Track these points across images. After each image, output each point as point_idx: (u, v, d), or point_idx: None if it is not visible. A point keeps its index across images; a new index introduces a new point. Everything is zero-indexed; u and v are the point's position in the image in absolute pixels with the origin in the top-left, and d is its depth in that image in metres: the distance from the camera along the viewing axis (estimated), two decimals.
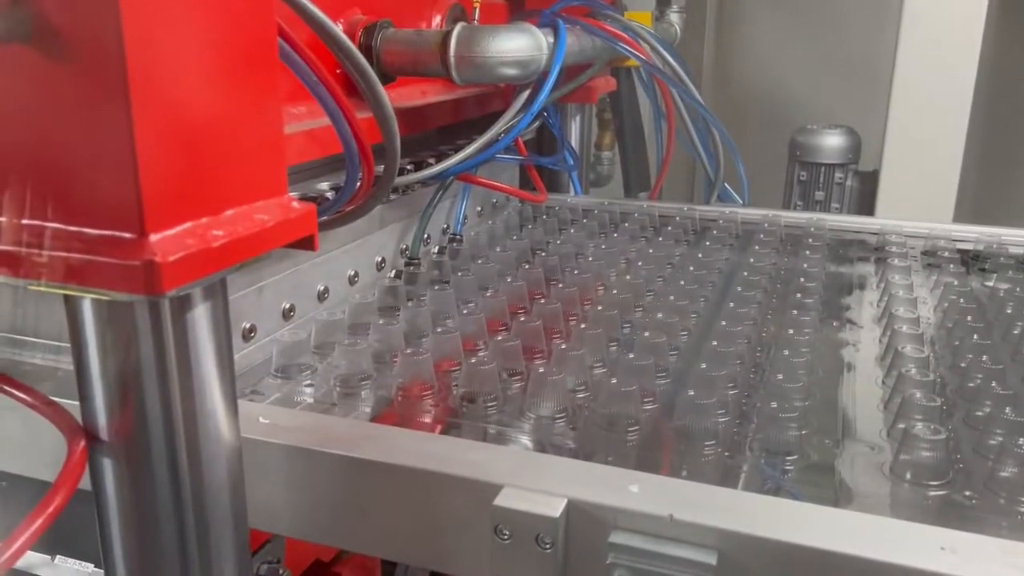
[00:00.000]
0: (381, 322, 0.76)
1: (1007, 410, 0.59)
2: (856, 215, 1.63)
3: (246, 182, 0.41)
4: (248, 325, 0.72)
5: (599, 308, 0.79)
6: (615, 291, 0.85)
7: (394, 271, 0.95)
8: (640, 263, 0.96)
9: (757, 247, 1.04)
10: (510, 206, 1.25)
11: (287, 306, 0.77)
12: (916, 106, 1.62)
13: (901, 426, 0.58)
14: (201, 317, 0.42)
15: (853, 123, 1.81)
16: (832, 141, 1.76)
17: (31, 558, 0.65)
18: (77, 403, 0.43)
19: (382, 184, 0.67)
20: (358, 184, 0.64)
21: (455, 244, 1.05)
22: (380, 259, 0.94)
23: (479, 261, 0.94)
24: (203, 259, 0.37)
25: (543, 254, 0.99)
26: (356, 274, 0.89)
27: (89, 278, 0.36)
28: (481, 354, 0.69)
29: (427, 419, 0.63)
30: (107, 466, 0.43)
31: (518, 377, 0.68)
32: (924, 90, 1.61)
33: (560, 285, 0.88)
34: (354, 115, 0.58)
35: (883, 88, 1.66)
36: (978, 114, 1.63)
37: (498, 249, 1.00)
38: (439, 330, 0.74)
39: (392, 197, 0.90)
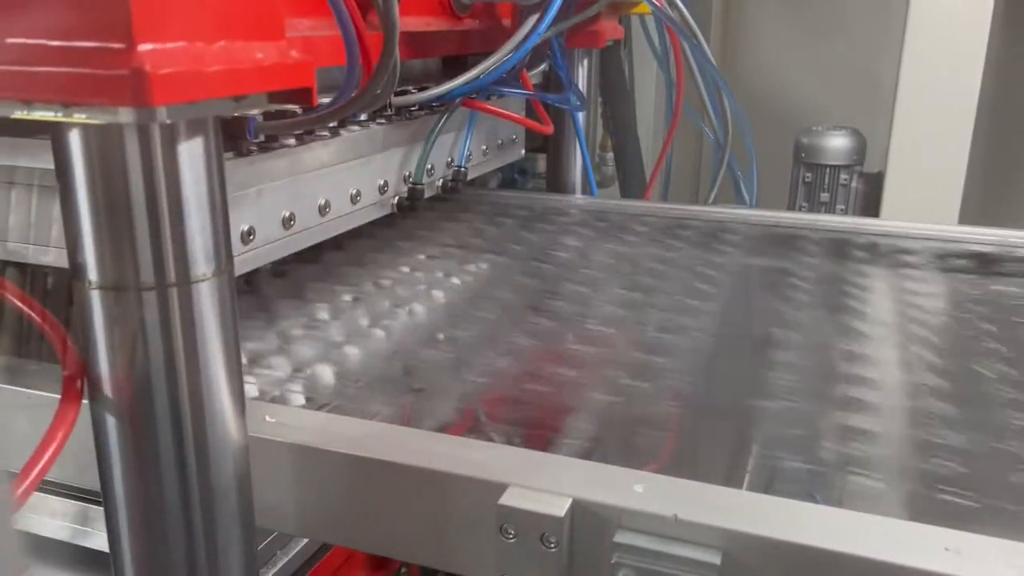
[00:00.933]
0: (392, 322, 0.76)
1: (1020, 415, 0.59)
2: (861, 216, 1.63)
3: (244, 16, 0.40)
4: (247, 227, 0.71)
5: (607, 309, 0.79)
6: (622, 292, 0.85)
7: (397, 197, 0.96)
8: (649, 263, 0.96)
9: (763, 248, 1.04)
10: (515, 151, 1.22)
11: (287, 214, 0.77)
12: (921, 108, 1.62)
13: (913, 430, 0.59)
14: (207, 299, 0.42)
15: (858, 125, 1.80)
16: (837, 143, 1.76)
17: None
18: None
19: (379, 70, 0.64)
20: (357, 76, 0.63)
21: (459, 182, 1.06)
22: (383, 182, 0.94)
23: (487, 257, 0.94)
24: (195, 81, 0.37)
25: (550, 254, 0.99)
26: (358, 193, 0.89)
27: (77, 92, 0.35)
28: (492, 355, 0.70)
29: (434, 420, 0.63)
30: (114, 455, 0.44)
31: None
32: (929, 92, 1.61)
33: (570, 286, 0.88)
34: (356, 9, 0.57)
35: (888, 90, 1.66)
36: (983, 116, 1.63)
37: (508, 244, 1.00)
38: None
39: (396, 122, 0.91)
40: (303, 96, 0.43)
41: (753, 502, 0.48)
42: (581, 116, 1.29)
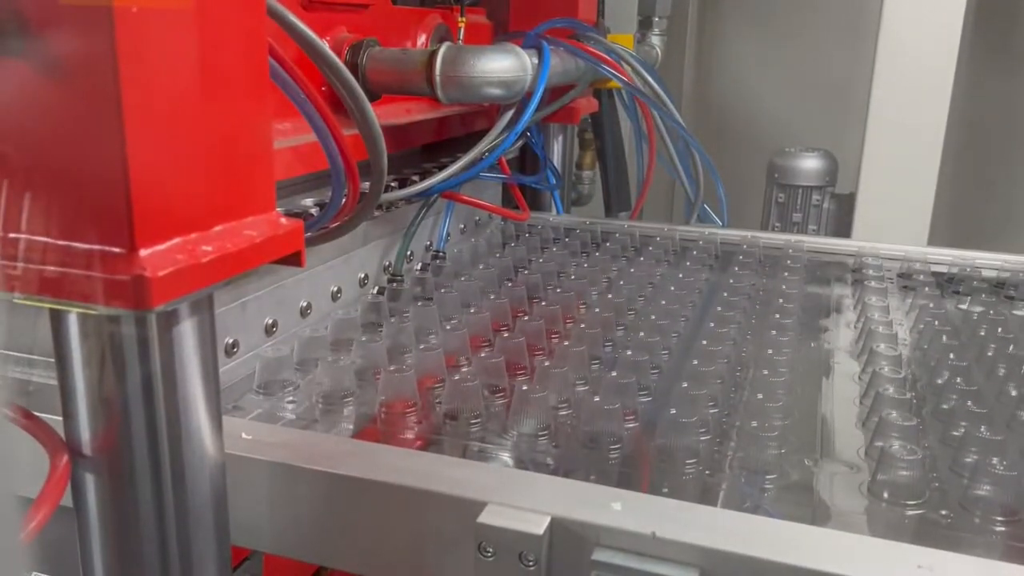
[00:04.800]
0: (364, 339, 0.76)
1: (982, 429, 0.60)
2: (833, 237, 1.65)
3: (236, 198, 0.41)
4: (231, 340, 0.72)
5: (581, 326, 0.79)
6: (597, 309, 0.85)
7: (377, 288, 0.95)
8: (621, 282, 0.96)
9: (736, 268, 1.05)
10: (492, 224, 1.25)
11: (270, 321, 0.77)
12: (892, 130, 1.65)
13: (878, 445, 0.59)
14: (188, 333, 0.42)
15: (830, 146, 1.83)
16: (809, 164, 1.78)
17: None
18: (58, 418, 0.43)
19: (368, 201, 0.68)
20: (344, 200, 0.65)
21: (438, 261, 1.05)
22: (363, 275, 0.94)
23: (462, 278, 0.95)
24: (192, 274, 0.37)
25: (525, 272, 1.00)
26: (339, 290, 0.89)
27: (78, 292, 0.36)
28: (464, 370, 0.70)
29: (410, 435, 0.63)
30: (89, 482, 0.43)
31: (501, 394, 0.69)
32: (900, 115, 1.64)
33: (543, 303, 0.88)
34: (340, 131, 0.58)
35: (860, 112, 1.68)
36: (952, 139, 1.66)
37: (480, 266, 1.01)
38: (422, 347, 0.74)
39: (376, 214, 0.91)
40: (292, 259, 0.44)
41: (731, 520, 0.49)
42: (559, 193, 1.32)
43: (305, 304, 0.83)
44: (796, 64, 2.45)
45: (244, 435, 0.55)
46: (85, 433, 0.42)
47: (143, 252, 0.36)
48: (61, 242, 0.36)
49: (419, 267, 1.04)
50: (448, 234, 1.11)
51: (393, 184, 0.89)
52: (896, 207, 1.67)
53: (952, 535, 0.53)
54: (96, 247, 0.36)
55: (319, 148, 0.59)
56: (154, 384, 0.41)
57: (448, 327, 0.82)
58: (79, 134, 0.35)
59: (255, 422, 0.61)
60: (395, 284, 0.95)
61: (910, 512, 0.55)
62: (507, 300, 0.86)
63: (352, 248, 0.91)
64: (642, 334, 0.78)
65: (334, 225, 0.69)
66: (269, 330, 0.77)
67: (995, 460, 0.55)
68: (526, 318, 0.81)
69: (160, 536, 0.44)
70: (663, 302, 0.89)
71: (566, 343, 0.75)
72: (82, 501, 0.44)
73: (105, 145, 0.34)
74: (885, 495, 0.56)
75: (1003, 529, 0.53)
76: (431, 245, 1.09)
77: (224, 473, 0.46)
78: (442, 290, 0.90)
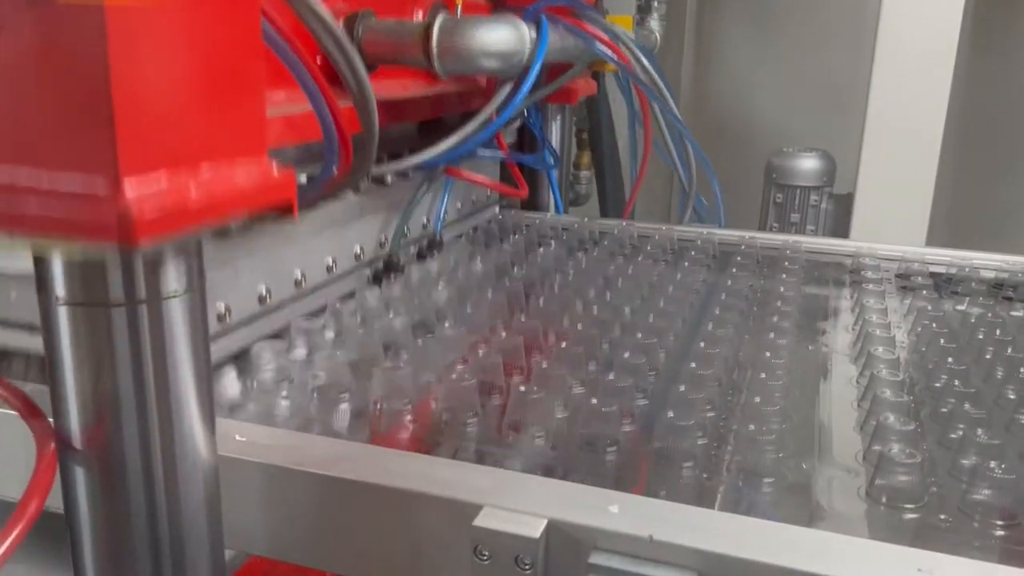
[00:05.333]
0: (361, 331, 0.76)
1: (980, 432, 0.60)
2: (831, 237, 1.65)
3: (225, 135, 0.40)
4: (223, 306, 0.71)
5: (578, 327, 0.79)
6: (594, 309, 0.85)
7: (373, 267, 0.95)
8: (619, 282, 0.96)
9: (734, 268, 1.05)
10: (489, 211, 1.24)
11: (263, 290, 0.76)
12: (890, 131, 1.65)
13: (876, 448, 0.59)
14: (178, 322, 0.41)
15: (828, 146, 1.83)
16: (807, 164, 1.78)
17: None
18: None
19: (361, 159, 0.66)
20: (336, 164, 0.63)
21: (434, 249, 1.05)
22: (359, 250, 0.94)
23: (458, 276, 0.94)
24: (179, 215, 0.36)
25: (520, 270, 0.99)
26: (334, 262, 0.88)
27: (60, 226, 0.35)
28: (460, 369, 0.69)
29: (404, 435, 0.63)
30: (79, 475, 0.43)
31: (497, 394, 0.68)
32: (898, 115, 1.64)
33: (540, 302, 0.88)
34: (333, 96, 0.57)
35: (858, 112, 1.68)
36: (951, 139, 1.66)
37: (478, 266, 1.00)
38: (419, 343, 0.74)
39: (372, 188, 0.90)
40: (284, 210, 0.43)
41: (728, 522, 0.48)
42: (556, 173, 1.31)
43: (299, 275, 0.82)
44: (794, 64, 2.45)
45: (238, 437, 0.55)
46: (74, 424, 0.42)
47: (128, 184, 0.34)
48: (46, 176, 0.35)
49: (415, 251, 1.03)
50: (445, 213, 1.10)
51: (387, 159, 0.89)
52: (894, 207, 1.67)
53: (951, 538, 0.52)
54: (79, 175, 0.34)
55: (312, 118, 0.58)
56: (146, 381, 0.41)
57: (447, 324, 0.82)
58: (63, 64, 0.33)
59: (249, 424, 0.60)
60: (393, 258, 0.96)
61: (908, 516, 0.54)
62: (505, 298, 0.86)
63: (347, 222, 0.91)
64: (639, 335, 0.78)
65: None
66: (263, 299, 0.76)
67: (993, 463, 0.55)
68: (523, 318, 0.81)
69: (153, 539, 0.44)
70: (660, 303, 0.89)
71: (563, 344, 0.75)
72: (73, 501, 0.43)
73: (90, 73, 0.33)
74: (883, 499, 0.56)
75: (1002, 532, 0.53)
76: (428, 224, 1.09)
77: (217, 475, 0.46)
78: (439, 288, 0.90)
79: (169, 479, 0.43)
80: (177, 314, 0.42)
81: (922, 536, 0.53)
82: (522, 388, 0.64)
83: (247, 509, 0.53)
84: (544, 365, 0.69)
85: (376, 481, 0.50)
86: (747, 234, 1.19)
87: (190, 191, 0.37)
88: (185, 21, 0.37)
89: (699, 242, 1.15)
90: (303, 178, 0.74)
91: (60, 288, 0.40)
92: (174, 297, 0.41)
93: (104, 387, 0.41)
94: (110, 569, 0.44)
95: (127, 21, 0.33)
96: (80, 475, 0.43)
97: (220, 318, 0.71)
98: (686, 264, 1.06)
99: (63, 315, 0.40)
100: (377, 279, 0.96)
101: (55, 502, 0.45)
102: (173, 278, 0.41)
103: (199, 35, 0.38)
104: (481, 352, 0.75)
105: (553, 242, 1.15)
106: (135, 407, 0.41)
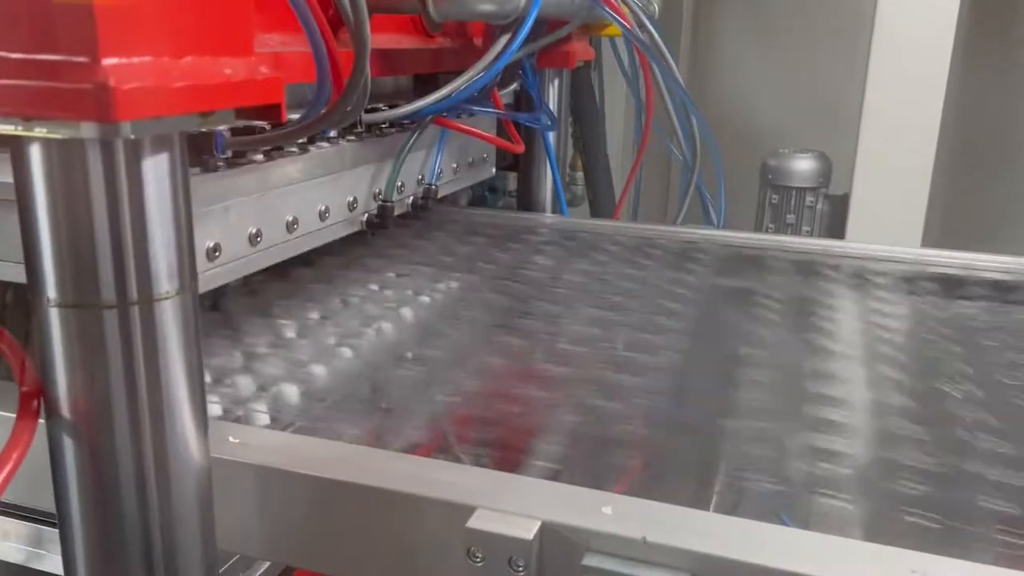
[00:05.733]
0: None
1: (981, 435, 0.60)
2: (826, 238, 1.65)
3: (211, 29, 0.40)
4: (212, 244, 0.70)
5: (576, 328, 0.79)
6: (591, 309, 0.85)
7: (366, 214, 0.95)
8: (616, 282, 0.96)
9: (730, 269, 1.05)
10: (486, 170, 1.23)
11: (254, 231, 0.76)
12: (885, 131, 1.65)
13: (876, 451, 0.59)
14: (170, 319, 0.41)
15: (824, 148, 1.83)
16: (803, 165, 1.78)
17: None
18: None
19: (351, 87, 0.63)
20: (327, 97, 0.62)
21: (428, 200, 1.06)
22: (352, 199, 0.93)
23: (456, 274, 0.94)
24: (161, 95, 0.36)
25: (521, 271, 0.99)
26: (327, 210, 0.88)
27: (39, 105, 0.35)
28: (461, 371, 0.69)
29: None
30: (71, 476, 0.42)
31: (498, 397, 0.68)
32: (893, 116, 1.64)
33: (539, 302, 0.87)
34: (325, 22, 0.56)
35: (853, 114, 1.69)
36: (946, 140, 1.66)
37: (475, 265, 1.00)
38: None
39: (368, 139, 0.91)
40: (272, 112, 0.43)
41: (723, 524, 0.48)
42: (552, 135, 1.29)
43: (291, 219, 0.81)
44: (790, 66, 2.45)
45: (231, 438, 0.54)
46: (67, 428, 0.42)
47: (107, 61, 0.34)
48: (23, 55, 0.35)
49: (410, 200, 1.04)
50: (441, 170, 1.10)
51: (383, 107, 0.88)
52: (890, 208, 1.67)
53: (950, 540, 0.52)
54: (59, 57, 0.34)
55: (307, 59, 0.57)
56: (138, 383, 0.41)
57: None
58: None
59: (242, 425, 0.60)
60: (387, 205, 0.96)
61: (908, 519, 0.54)
62: (505, 299, 0.86)
63: (341, 169, 0.90)
64: (637, 336, 0.78)
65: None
66: (253, 239, 0.76)
67: (994, 466, 0.55)
68: (521, 318, 0.81)
69: (144, 538, 0.43)
70: (658, 303, 0.89)
71: (561, 345, 0.75)
72: (64, 498, 0.43)
73: None
74: (883, 501, 0.55)
75: (1002, 536, 0.53)
76: (423, 179, 1.09)
77: (209, 477, 0.46)
78: (438, 286, 0.90)
79: (161, 481, 0.43)
80: (169, 316, 0.41)
81: (920, 538, 0.53)
82: (521, 389, 0.64)
83: (240, 511, 0.52)
84: (543, 366, 0.69)
85: (369, 483, 0.50)
86: (743, 235, 1.19)
87: (173, 76, 0.37)
88: None
89: (697, 242, 1.15)
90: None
91: (52, 290, 0.40)
92: (166, 299, 0.41)
93: (96, 389, 0.41)
94: (102, 570, 0.44)
95: None
96: (72, 476, 0.43)
97: (208, 255, 0.70)
98: (684, 264, 1.06)
99: (55, 317, 0.40)
100: (371, 226, 0.96)
101: (47, 503, 0.45)
102: (165, 280, 0.41)
103: None
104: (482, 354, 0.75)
105: (549, 244, 1.14)
106: (127, 409, 0.41)
